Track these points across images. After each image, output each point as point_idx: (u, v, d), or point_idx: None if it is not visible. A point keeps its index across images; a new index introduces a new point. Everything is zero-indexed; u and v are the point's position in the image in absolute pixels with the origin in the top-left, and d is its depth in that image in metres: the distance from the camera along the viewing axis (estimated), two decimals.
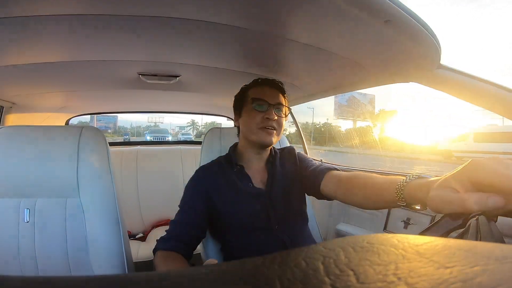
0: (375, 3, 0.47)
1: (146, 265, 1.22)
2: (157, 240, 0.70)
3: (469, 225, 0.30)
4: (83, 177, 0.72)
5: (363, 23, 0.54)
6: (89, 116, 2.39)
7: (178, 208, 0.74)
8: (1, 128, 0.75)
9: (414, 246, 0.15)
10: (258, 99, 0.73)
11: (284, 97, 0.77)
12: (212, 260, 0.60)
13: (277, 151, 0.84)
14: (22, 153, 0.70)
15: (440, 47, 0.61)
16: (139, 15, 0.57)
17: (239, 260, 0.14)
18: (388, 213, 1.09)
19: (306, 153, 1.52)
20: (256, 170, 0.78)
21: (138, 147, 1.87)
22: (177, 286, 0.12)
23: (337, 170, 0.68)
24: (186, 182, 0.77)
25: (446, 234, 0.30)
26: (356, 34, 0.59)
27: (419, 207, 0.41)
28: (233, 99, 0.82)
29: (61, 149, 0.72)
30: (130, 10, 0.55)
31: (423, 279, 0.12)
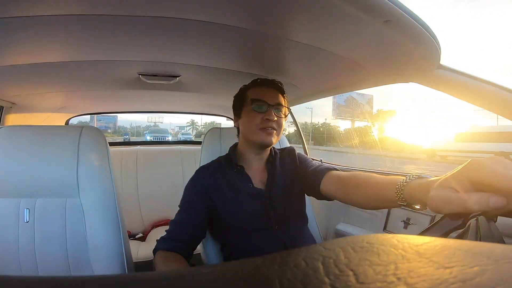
0: (375, 3, 0.47)
1: (146, 265, 1.21)
2: (157, 240, 0.70)
3: (469, 225, 0.30)
4: (83, 177, 0.72)
5: (363, 23, 0.54)
6: (89, 116, 2.39)
7: (178, 208, 0.74)
8: (1, 128, 0.75)
9: (414, 246, 0.15)
10: (258, 100, 0.72)
11: (284, 97, 0.77)
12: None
13: (277, 151, 0.84)
14: (22, 153, 0.70)
15: (440, 47, 0.61)
16: (139, 15, 0.57)
17: (239, 260, 0.14)
18: (388, 213, 1.09)
19: (306, 153, 1.52)
20: (256, 171, 0.78)
21: (138, 147, 1.87)
22: (177, 286, 0.12)
23: (337, 170, 0.68)
24: (186, 182, 0.77)
25: (446, 234, 0.30)
26: (356, 34, 0.59)
27: (419, 207, 0.41)
28: (233, 99, 0.82)
29: (61, 149, 0.72)
30: (130, 10, 0.55)
31: (423, 279, 0.12)
